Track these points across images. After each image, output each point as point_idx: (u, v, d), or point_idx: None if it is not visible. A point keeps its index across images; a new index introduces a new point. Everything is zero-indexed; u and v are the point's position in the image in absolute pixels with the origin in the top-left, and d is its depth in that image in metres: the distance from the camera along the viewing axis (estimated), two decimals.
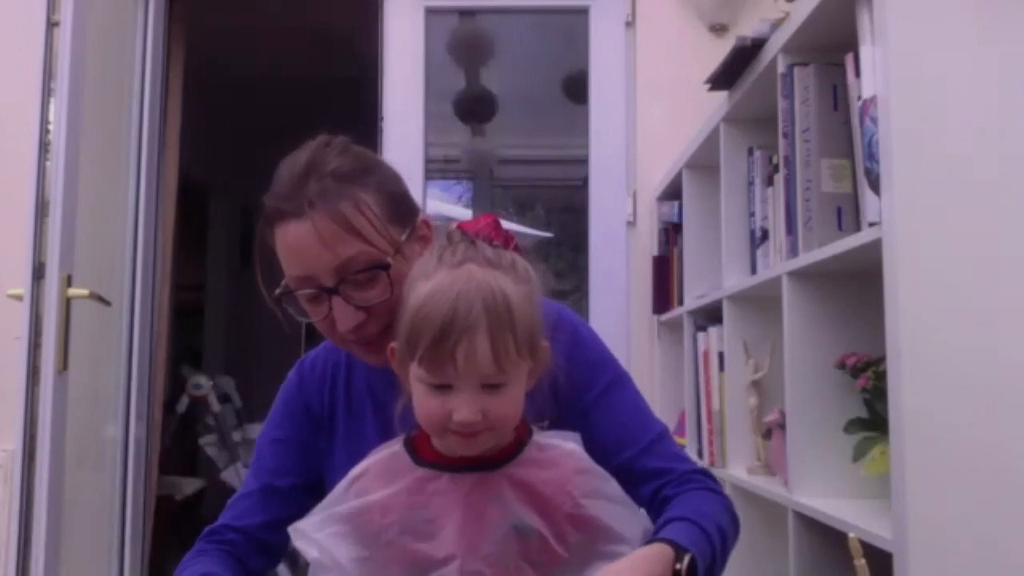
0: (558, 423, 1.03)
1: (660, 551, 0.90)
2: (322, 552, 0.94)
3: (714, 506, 1.03)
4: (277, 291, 1.06)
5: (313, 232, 0.99)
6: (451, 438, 0.92)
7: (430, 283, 0.90)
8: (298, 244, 1.01)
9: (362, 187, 1.03)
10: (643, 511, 1.05)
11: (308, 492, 1.11)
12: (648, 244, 2.68)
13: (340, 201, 1.00)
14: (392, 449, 0.99)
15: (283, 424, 1.18)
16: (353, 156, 1.06)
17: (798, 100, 1.50)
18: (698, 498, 1.03)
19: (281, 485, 1.15)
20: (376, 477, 0.97)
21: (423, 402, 0.92)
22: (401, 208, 1.07)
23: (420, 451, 0.98)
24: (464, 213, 3.61)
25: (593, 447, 1.01)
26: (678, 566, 0.89)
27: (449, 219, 3.41)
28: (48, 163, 2.07)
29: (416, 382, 0.92)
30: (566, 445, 0.98)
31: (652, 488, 1.05)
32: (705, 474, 1.09)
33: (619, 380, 1.12)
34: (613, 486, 0.98)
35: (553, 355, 0.99)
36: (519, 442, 0.97)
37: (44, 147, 2.09)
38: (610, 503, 0.96)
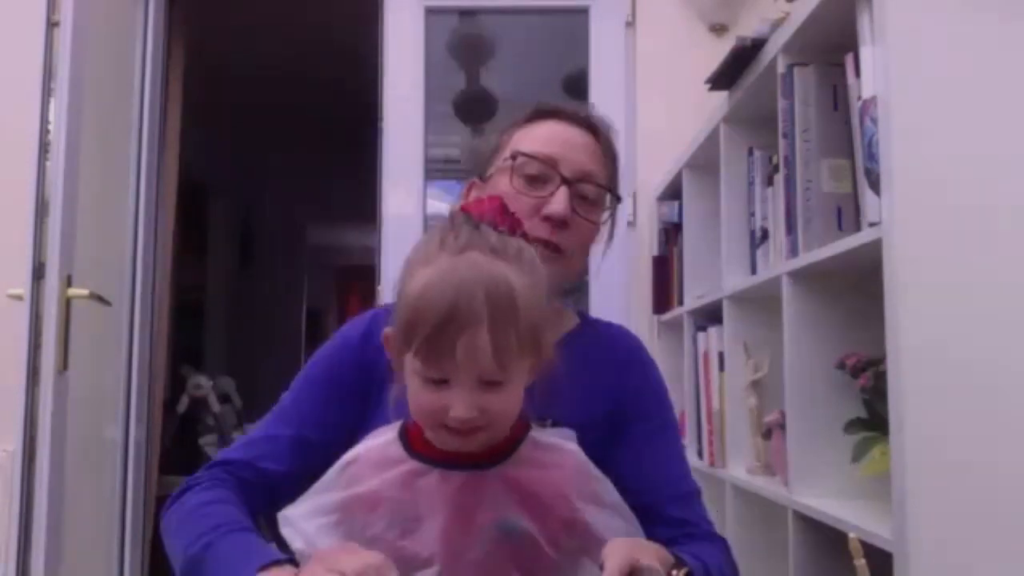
0: (601, 437, 1.04)
1: (662, 549, 0.90)
2: (308, 544, 0.91)
3: (726, 566, 1.04)
4: (515, 151, 1.12)
5: (585, 136, 1.13)
6: (445, 434, 0.88)
7: (430, 269, 0.86)
8: (568, 136, 1.12)
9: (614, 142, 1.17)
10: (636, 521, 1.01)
11: (338, 457, 0.98)
12: (648, 244, 2.68)
13: (609, 138, 1.16)
14: (387, 436, 0.96)
15: (335, 374, 1.07)
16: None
17: (798, 100, 1.50)
18: (713, 551, 1.03)
19: (317, 438, 1.03)
20: (368, 465, 0.93)
21: (418, 395, 0.87)
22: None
23: (414, 442, 0.94)
24: None
25: (626, 477, 1.01)
26: (674, 572, 0.86)
27: None
28: (48, 163, 2.08)
29: (412, 374, 0.88)
30: (566, 445, 0.96)
31: (672, 534, 1.02)
32: (726, 543, 1.09)
33: (674, 426, 1.16)
34: (610, 490, 0.96)
35: (623, 377, 1.08)
36: (515, 439, 0.94)
37: (44, 147, 2.09)
38: (606, 509, 0.94)
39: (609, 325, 1.22)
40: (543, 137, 1.12)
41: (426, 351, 0.84)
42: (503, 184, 1.11)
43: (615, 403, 1.08)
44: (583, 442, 0.98)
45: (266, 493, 1.02)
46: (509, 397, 0.88)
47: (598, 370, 1.11)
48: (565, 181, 1.09)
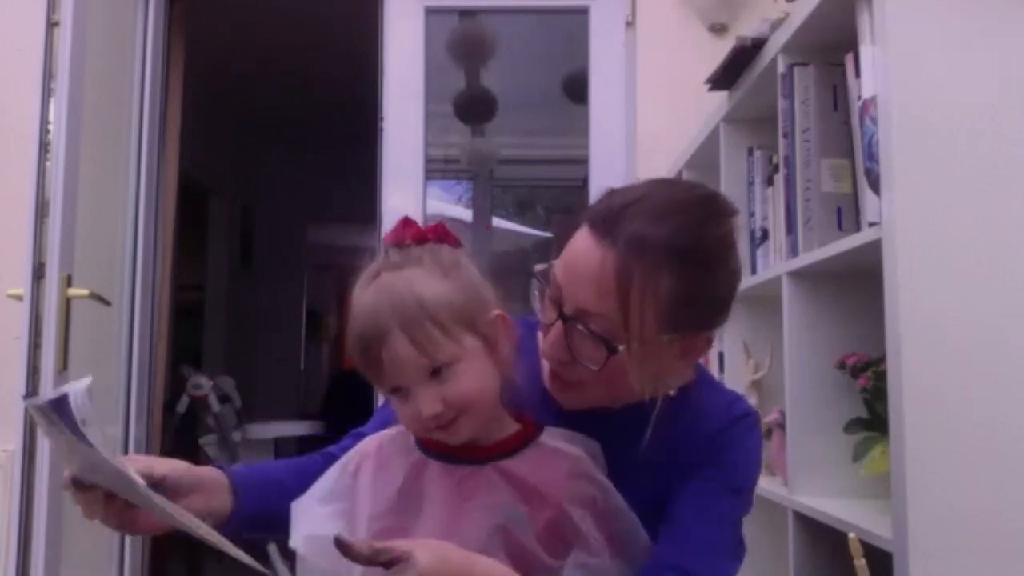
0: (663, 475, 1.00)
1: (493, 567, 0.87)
2: (319, 529, 0.94)
3: None
4: (538, 267, 0.98)
5: (595, 263, 0.90)
6: (435, 434, 0.93)
7: (354, 308, 0.93)
8: (585, 261, 0.91)
9: (670, 272, 0.89)
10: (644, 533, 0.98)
11: None
12: None
13: (638, 264, 0.88)
14: (400, 429, 1.00)
15: None
16: (696, 237, 0.93)
17: (798, 100, 1.50)
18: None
19: None
20: (379, 454, 0.98)
21: (398, 410, 0.94)
22: (686, 317, 0.93)
23: (424, 438, 0.97)
24: (464, 213, 3.61)
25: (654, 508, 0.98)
26: None
27: (451, 220, 3.41)
28: (48, 163, 2.08)
29: (389, 395, 0.94)
30: (572, 448, 0.96)
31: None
32: None
33: (736, 492, 1.00)
34: (612, 497, 0.95)
35: (717, 443, 0.99)
36: (524, 440, 0.97)
37: (44, 147, 2.09)
38: (599, 513, 0.94)
39: (713, 402, 1.05)
40: (572, 254, 0.94)
41: (369, 373, 0.92)
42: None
43: (685, 455, 1.00)
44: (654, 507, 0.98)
45: None
46: (464, 377, 0.91)
47: (676, 447, 1.00)
48: (563, 317, 0.93)
